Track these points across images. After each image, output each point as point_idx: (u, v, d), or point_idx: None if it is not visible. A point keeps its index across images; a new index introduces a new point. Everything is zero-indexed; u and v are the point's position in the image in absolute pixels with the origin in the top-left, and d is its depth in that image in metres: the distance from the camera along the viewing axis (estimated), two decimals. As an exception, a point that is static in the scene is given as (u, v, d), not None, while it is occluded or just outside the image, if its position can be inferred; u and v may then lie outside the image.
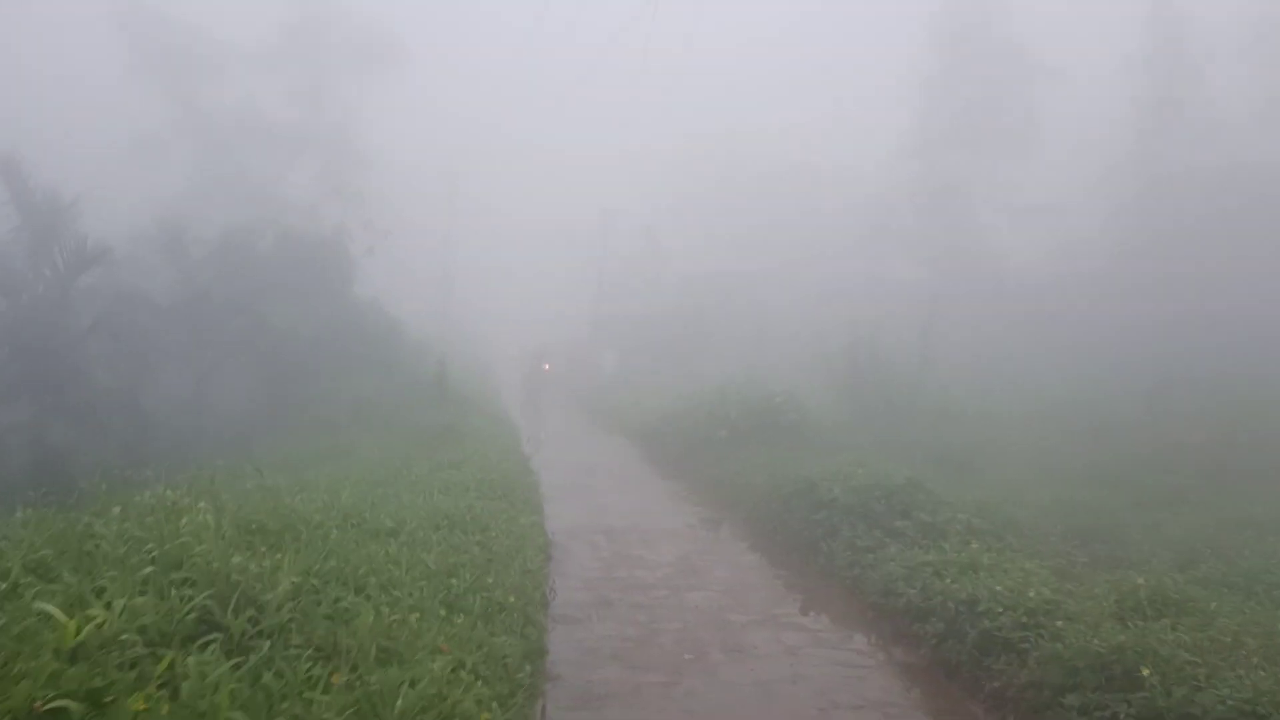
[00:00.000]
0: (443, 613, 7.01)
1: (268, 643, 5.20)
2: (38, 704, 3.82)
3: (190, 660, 4.58)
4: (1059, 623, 7.94)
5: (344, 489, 11.50)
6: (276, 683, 4.74)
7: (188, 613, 5.13)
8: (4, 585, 4.98)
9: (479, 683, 6.01)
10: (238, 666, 4.80)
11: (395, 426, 19.12)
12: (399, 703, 5.01)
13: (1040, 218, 39.00)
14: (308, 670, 5.05)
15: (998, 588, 8.76)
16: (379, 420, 20.77)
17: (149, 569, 5.55)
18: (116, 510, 6.74)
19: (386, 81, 40.77)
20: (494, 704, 5.76)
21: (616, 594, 10.63)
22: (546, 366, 34.20)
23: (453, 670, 5.92)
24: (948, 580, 9.34)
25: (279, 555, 6.61)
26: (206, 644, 4.97)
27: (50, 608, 4.51)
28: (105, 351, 20.95)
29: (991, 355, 32.32)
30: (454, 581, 7.71)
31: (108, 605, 4.83)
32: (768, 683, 8.16)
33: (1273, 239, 29.28)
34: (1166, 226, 33.86)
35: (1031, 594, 8.45)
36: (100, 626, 4.54)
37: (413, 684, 5.26)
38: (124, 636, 4.61)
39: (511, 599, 8.14)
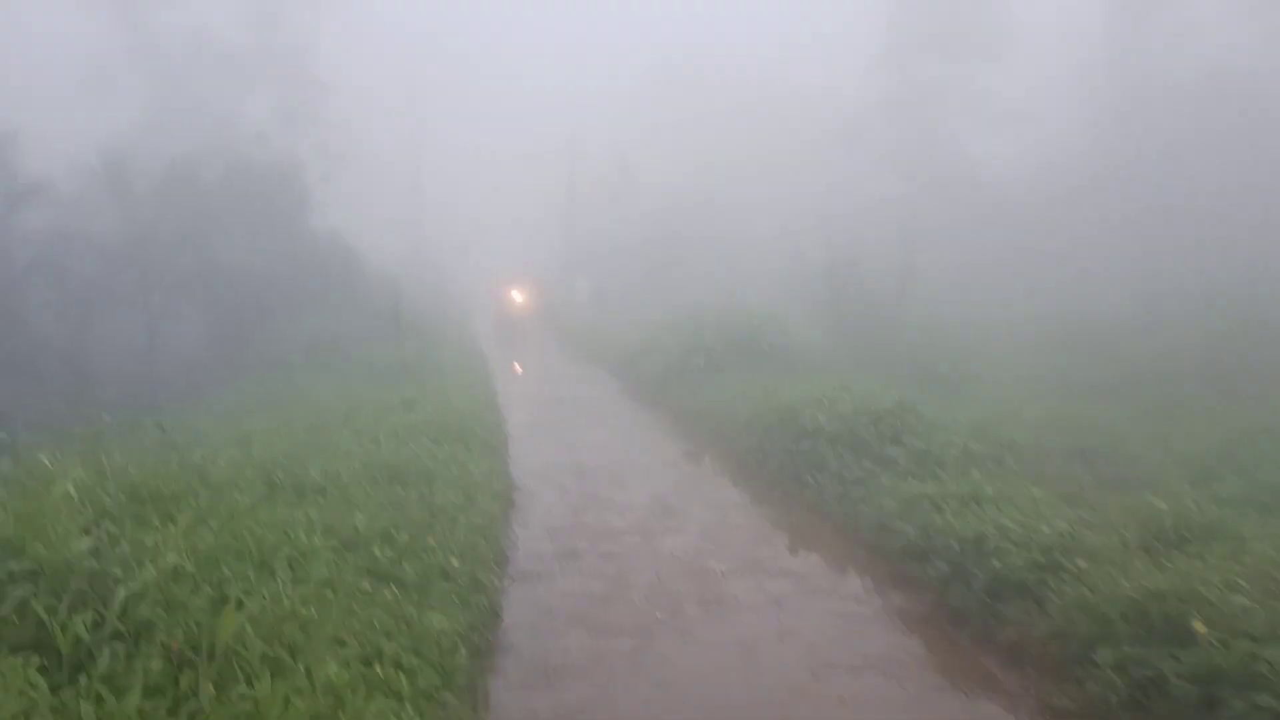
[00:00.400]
0: (365, 587, 5.91)
1: (109, 651, 4.07)
2: None
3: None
4: (1080, 561, 6.94)
5: (275, 439, 10.39)
6: (95, 713, 3.61)
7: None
8: None
9: (400, 676, 4.91)
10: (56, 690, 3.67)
11: (355, 365, 17.92)
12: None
13: (1017, 125, 37.68)
14: (155, 685, 3.92)
15: (1006, 522, 7.73)
16: (338, 359, 19.57)
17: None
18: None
19: (345, 4, 38.80)
20: (412, 705, 4.65)
21: (584, 543, 9.56)
22: (517, 297, 32.68)
23: (366, 664, 4.82)
24: (948, 515, 8.31)
25: (165, 528, 5.47)
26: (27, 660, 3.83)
27: None
28: (44, 296, 19.57)
29: (972, 268, 31.25)
30: (381, 548, 6.57)
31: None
32: (751, 642, 7.13)
33: (1253, 139, 28.12)
34: (1145, 130, 32.64)
35: (1045, 528, 7.43)
36: None
37: (299, 694, 4.14)
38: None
39: (455, 562, 7.05)
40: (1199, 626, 5.50)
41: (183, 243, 21.80)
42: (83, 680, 3.90)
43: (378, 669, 4.82)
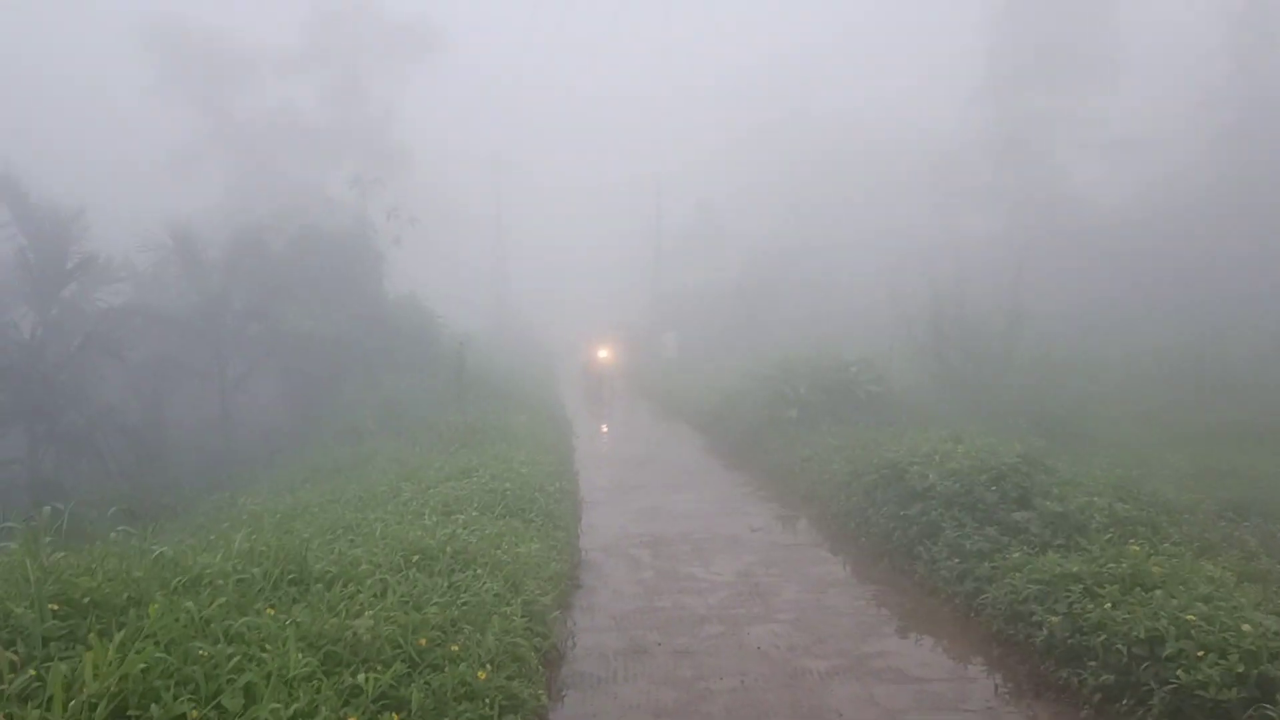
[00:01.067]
0: (347, 726, 4.47)
1: None
2: None
3: None
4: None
5: (311, 516, 9.15)
6: None
7: None
8: None
9: None
10: None
11: (424, 430, 16.70)
12: None
13: (1129, 153, 35.45)
14: None
15: (1187, 615, 5.95)
16: (409, 423, 18.41)
17: None
18: None
19: (422, 71, 38.65)
20: None
21: (656, 635, 8.01)
22: (603, 353, 30.99)
23: None
24: (1106, 604, 6.54)
25: (100, 647, 4.18)
26: None
27: None
28: (102, 372, 18.93)
29: (1083, 306, 28.95)
30: (382, 665, 5.14)
31: None
32: (861, 779, 5.48)
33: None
34: (1271, 154, 30.21)
35: (1246, 627, 5.63)
36: None
37: None
38: None
39: (483, 675, 5.57)
40: None
41: (253, 312, 21.07)
42: None
43: None
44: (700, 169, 50.42)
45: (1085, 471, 11.07)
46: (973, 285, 22.42)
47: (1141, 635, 5.94)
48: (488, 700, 5.45)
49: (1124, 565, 7.04)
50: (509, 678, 5.86)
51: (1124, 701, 5.78)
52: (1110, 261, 31.53)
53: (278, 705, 4.35)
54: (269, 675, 4.66)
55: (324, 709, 4.53)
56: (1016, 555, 8.18)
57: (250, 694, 4.51)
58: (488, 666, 5.76)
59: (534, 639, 6.81)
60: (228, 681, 4.50)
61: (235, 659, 4.70)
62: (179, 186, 32.58)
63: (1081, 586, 6.94)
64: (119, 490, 15.45)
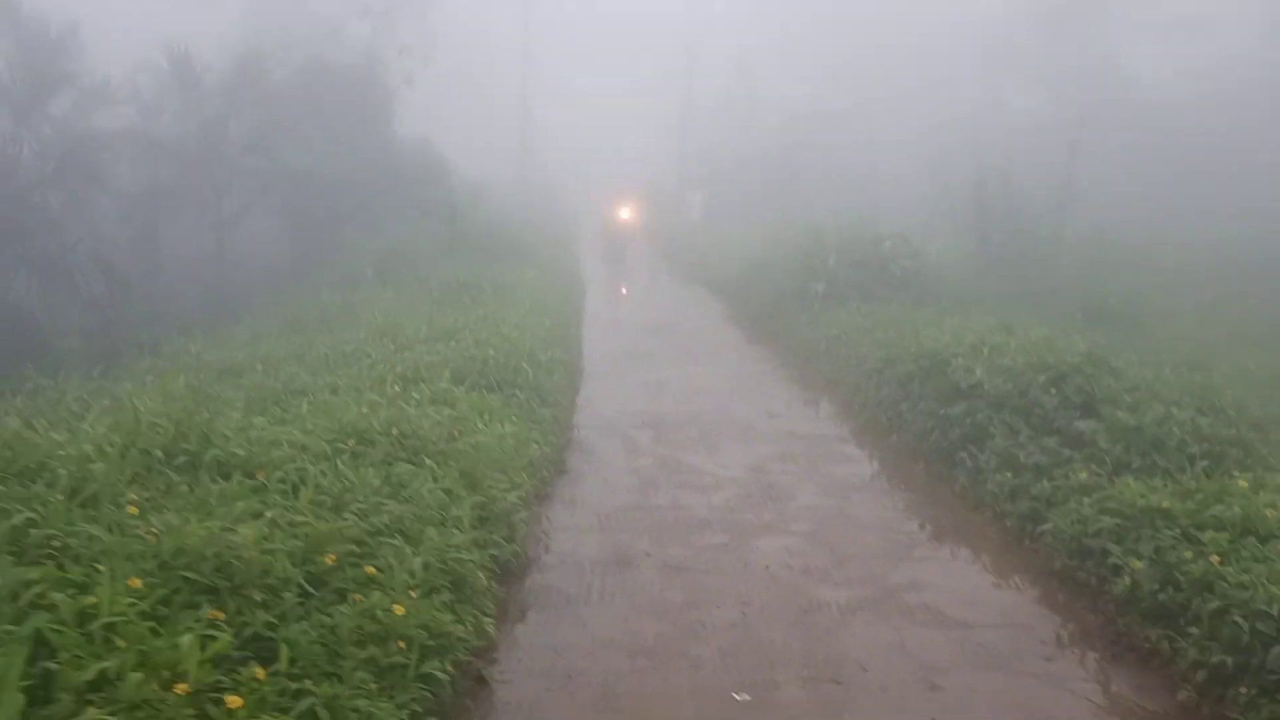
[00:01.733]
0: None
1: None
2: None
3: None
4: None
5: (247, 374, 7.77)
6: None
7: None
8: None
9: None
10: None
11: (422, 282, 15.20)
12: None
13: (1184, 35, 32.54)
14: None
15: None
16: (408, 275, 16.92)
17: None
18: None
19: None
20: None
21: (644, 541, 6.66)
22: (626, 214, 28.68)
23: None
24: (1212, 554, 5.07)
25: None
26: None
27: None
28: (96, 200, 17.42)
29: (1133, 193, 26.67)
30: (264, 602, 3.77)
31: None
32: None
33: None
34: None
35: None
36: None
37: None
38: None
39: (399, 611, 4.18)
40: None
41: (252, 144, 19.39)
42: None
43: None
44: (737, 24, 47.25)
45: (1156, 376, 9.52)
46: (1020, 164, 20.40)
47: (1265, 606, 4.47)
48: (403, 642, 4.07)
49: (1228, 507, 5.53)
50: (441, 607, 4.48)
51: (1243, 690, 4.35)
52: (1162, 148, 29.12)
53: (69, 662, 2.96)
54: (80, 615, 3.27)
55: (143, 670, 3.14)
56: (1084, 475, 6.70)
57: (46, 645, 3.12)
58: (413, 594, 4.37)
59: (487, 552, 5.43)
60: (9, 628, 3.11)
61: (35, 589, 3.31)
62: (188, 11, 30.33)
63: (1173, 530, 5.46)
64: (90, 323, 14.17)
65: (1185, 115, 29.66)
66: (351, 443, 5.75)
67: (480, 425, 7.06)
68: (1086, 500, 6.33)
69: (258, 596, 3.86)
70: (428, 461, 5.75)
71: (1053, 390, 8.07)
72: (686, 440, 9.28)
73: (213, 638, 3.48)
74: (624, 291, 21.25)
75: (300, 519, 4.51)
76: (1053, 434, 7.67)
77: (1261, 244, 19.84)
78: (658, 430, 9.62)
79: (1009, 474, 7.23)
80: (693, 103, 40.87)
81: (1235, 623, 4.51)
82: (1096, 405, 8.00)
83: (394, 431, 6.00)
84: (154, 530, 3.98)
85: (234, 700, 3.26)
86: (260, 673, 3.46)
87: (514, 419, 7.80)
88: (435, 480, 5.55)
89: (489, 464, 6.29)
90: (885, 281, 16.03)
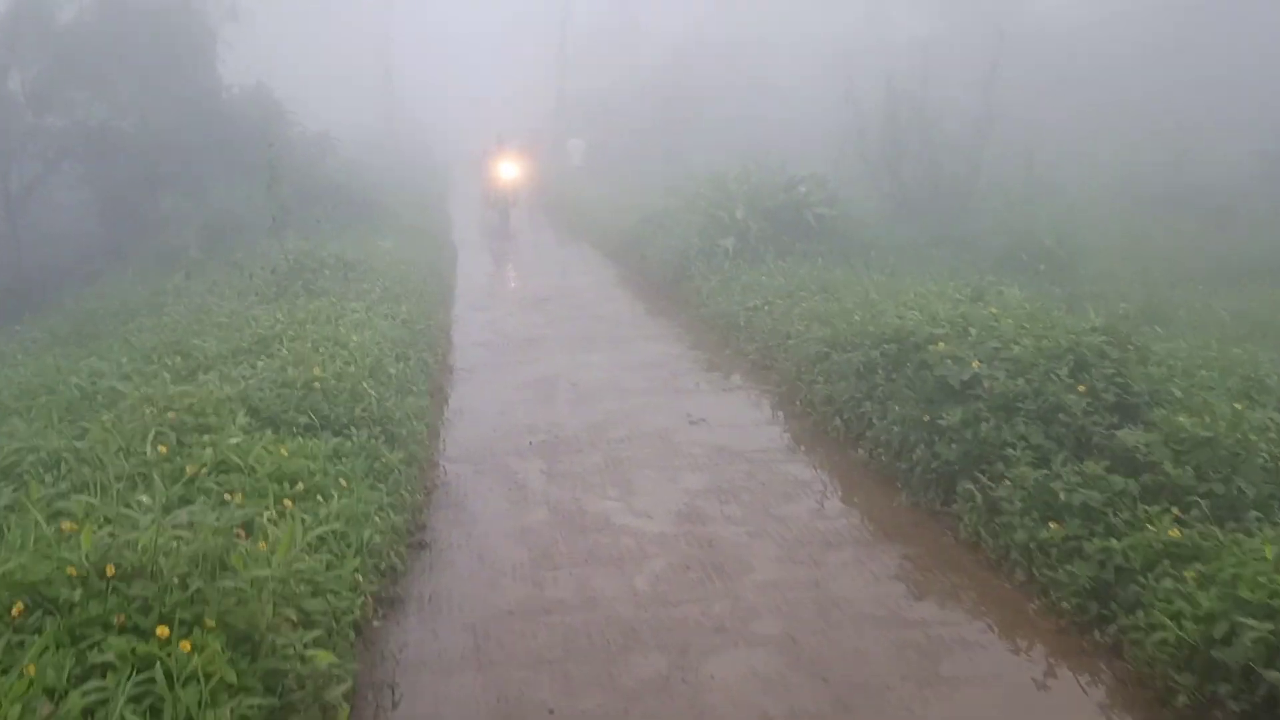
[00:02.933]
0: None
1: None
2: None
3: None
4: None
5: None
6: None
7: None
8: None
9: None
10: None
11: (253, 262, 12.43)
12: None
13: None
14: None
15: None
16: (242, 249, 14.12)
17: None
18: None
19: None
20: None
21: (543, 687, 4.36)
22: (508, 170, 22.26)
23: None
24: None
25: None
26: None
27: None
28: None
29: (1035, 119, 25.02)
30: None
31: None
32: None
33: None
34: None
35: None
36: None
37: None
38: None
39: None
40: None
41: (40, 99, 16.10)
42: None
43: None
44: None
45: (1172, 347, 7.62)
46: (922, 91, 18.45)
47: None
48: None
49: None
50: None
51: None
52: (1062, 79, 27.55)
53: None
54: None
55: None
56: (1174, 532, 4.65)
57: None
58: None
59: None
60: None
61: None
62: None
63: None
64: None
65: (1086, 44, 28.23)
66: (17, 609, 3.27)
67: (281, 517, 4.61)
68: (1191, 575, 4.30)
69: None
70: (163, 630, 3.31)
71: (1078, 386, 6.03)
72: (589, 472, 6.99)
73: None
74: (511, 275, 18.63)
75: None
76: (1090, 452, 5.64)
77: (1169, 170, 18.44)
78: (551, 458, 7.30)
79: (1051, 525, 5.13)
80: (568, 41, 38.06)
81: None
82: (1134, 403, 6.01)
83: (109, 573, 3.53)
84: None
85: None
86: None
87: (344, 482, 5.37)
88: (173, 671, 3.12)
89: (291, 597, 3.88)
90: (801, 233, 13.97)
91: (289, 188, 17.36)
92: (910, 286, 9.52)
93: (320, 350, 7.34)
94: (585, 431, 7.89)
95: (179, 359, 7.36)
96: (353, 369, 7.06)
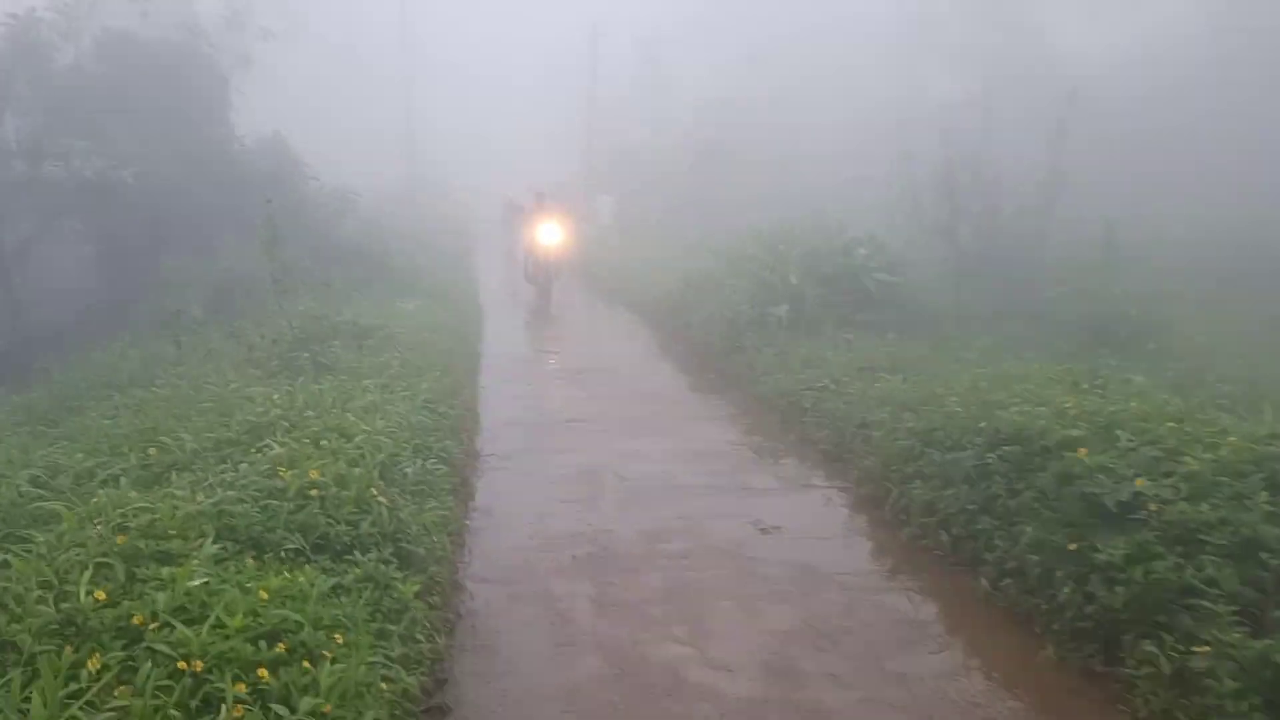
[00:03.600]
0: None
1: None
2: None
3: None
4: None
5: None
6: None
7: None
8: None
9: None
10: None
11: (253, 330, 11.31)
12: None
13: (1121, 15, 30.05)
14: None
15: None
16: (251, 311, 13.03)
17: None
18: None
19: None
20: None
21: None
22: (552, 234, 18.67)
23: None
24: None
25: None
26: None
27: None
28: None
29: (1091, 185, 23.74)
30: None
31: None
32: None
33: None
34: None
35: None
36: None
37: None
38: None
39: None
40: None
41: (35, 149, 15.19)
42: None
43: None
44: (644, 3, 43.65)
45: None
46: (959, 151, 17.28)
47: None
48: None
49: None
50: None
51: None
52: (1099, 140, 26.34)
53: None
54: None
55: None
56: None
57: None
58: None
59: None
60: None
61: None
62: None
63: None
64: None
65: (1128, 98, 27.14)
66: None
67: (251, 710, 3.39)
68: None
69: None
70: None
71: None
72: (648, 599, 5.74)
73: None
74: (533, 324, 17.40)
75: None
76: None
77: (1247, 236, 17.12)
78: (600, 578, 6.06)
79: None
80: (596, 96, 37.35)
81: None
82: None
83: None
84: None
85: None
86: None
87: (339, 637, 4.13)
88: None
89: None
90: (861, 301, 12.80)
91: (302, 246, 16.47)
92: (1009, 369, 8.27)
93: (322, 444, 6.14)
94: (639, 542, 6.64)
95: (153, 451, 6.18)
96: (360, 470, 5.85)
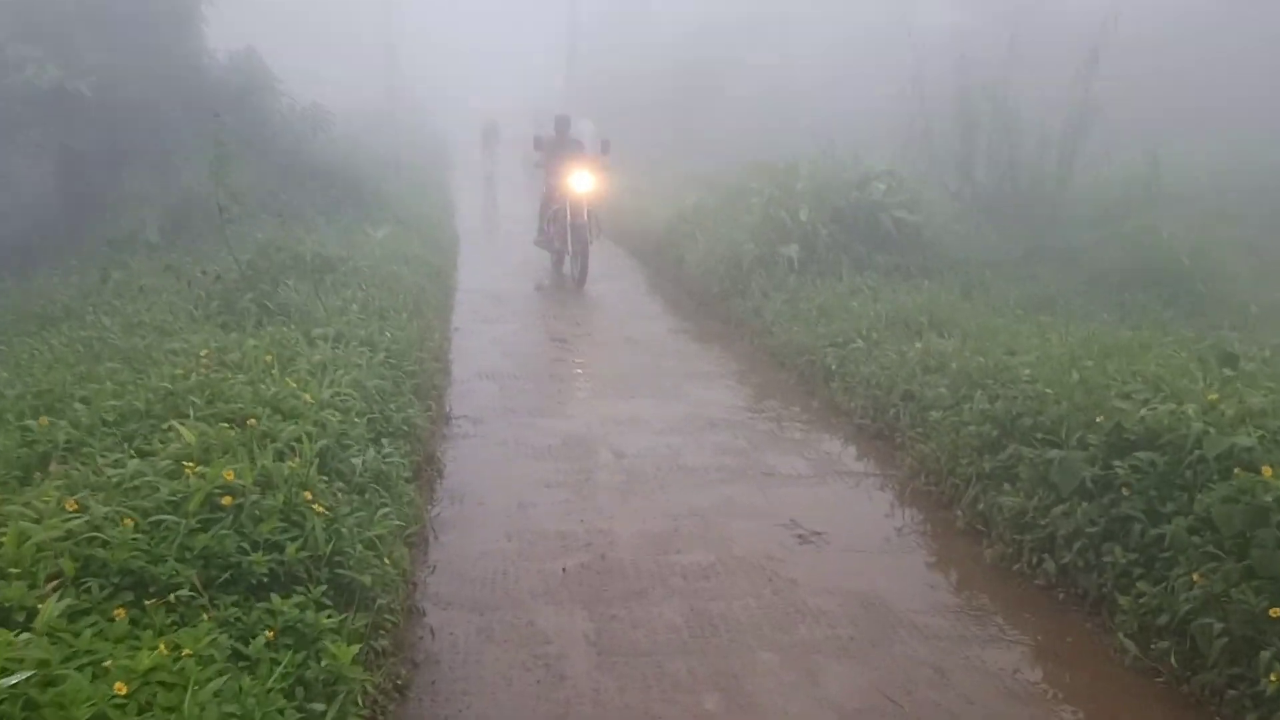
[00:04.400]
0: None
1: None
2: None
3: None
4: None
5: None
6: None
7: None
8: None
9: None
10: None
11: (208, 261, 9.54)
12: None
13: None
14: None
15: None
16: (209, 239, 11.20)
17: None
18: None
19: None
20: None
21: None
22: (583, 183, 13.09)
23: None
24: None
25: None
26: None
27: None
28: None
29: (1117, 121, 21.67)
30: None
31: None
32: None
33: None
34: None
35: None
36: None
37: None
38: None
39: None
40: None
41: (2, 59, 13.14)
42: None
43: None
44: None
45: None
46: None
47: None
48: None
49: None
50: None
51: None
52: (1109, 78, 24.31)
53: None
54: None
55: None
56: None
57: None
58: None
59: None
60: None
61: None
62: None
63: None
64: None
65: (1134, 38, 25.11)
66: None
67: None
68: None
69: None
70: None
71: None
72: (663, 644, 4.17)
73: None
74: (512, 255, 15.57)
75: None
76: None
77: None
78: (598, 604, 4.49)
79: None
80: (578, 21, 34.98)
81: None
82: None
83: None
84: None
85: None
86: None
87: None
88: None
89: None
90: (878, 241, 11.15)
91: (269, 167, 14.57)
92: (1098, 336, 6.66)
93: (250, 425, 4.48)
94: (645, 551, 5.06)
95: (42, 422, 4.52)
96: (292, 465, 4.20)
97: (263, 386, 5.09)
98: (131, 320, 7.42)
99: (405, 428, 5.79)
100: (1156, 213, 12.92)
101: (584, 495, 5.79)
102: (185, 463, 4.01)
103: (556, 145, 13.32)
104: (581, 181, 12.67)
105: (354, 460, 4.68)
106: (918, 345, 7.30)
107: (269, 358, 5.69)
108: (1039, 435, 5.17)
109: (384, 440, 5.40)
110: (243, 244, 8.98)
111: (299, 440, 4.46)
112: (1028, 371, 5.95)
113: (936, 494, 5.67)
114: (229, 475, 3.89)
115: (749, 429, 7.05)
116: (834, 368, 7.74)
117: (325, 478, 4.40)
